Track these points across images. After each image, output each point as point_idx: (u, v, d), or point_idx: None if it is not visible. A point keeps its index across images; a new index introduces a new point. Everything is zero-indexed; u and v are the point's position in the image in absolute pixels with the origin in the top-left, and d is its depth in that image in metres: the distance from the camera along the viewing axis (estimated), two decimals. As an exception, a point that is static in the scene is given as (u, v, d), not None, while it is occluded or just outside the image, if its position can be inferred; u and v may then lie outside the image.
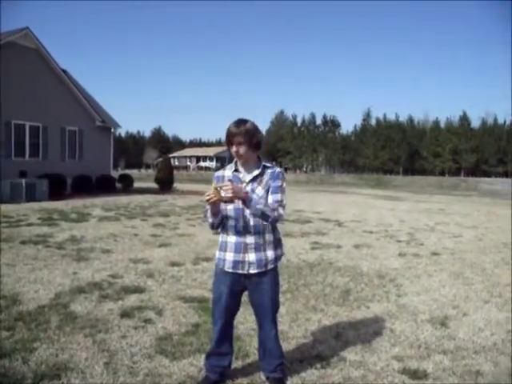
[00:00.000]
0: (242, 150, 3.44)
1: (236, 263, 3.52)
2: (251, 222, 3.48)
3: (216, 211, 3.45)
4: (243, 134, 3.42)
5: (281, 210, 3.48)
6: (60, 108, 23.96)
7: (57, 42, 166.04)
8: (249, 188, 3.47)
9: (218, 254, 3.67)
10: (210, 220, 3.54)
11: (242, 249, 3.52)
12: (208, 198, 3.27)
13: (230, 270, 3.55)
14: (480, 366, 4.19)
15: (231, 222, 3.53)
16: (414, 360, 4.29)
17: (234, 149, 3.46)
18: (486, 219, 17.99)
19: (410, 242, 11.41)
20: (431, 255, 9.64)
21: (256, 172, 3.53)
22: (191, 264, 8.03)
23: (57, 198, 19.58)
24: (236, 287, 3.61)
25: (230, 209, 3.49)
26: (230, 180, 3.39)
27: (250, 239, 3.51)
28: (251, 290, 3.64)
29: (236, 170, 3.59)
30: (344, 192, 39.00)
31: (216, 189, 3.24)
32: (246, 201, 3.32)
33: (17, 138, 21.87)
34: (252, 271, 3.53)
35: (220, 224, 3.60)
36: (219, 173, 3.67)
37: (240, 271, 3.54)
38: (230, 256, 3.55)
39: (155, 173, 33.57)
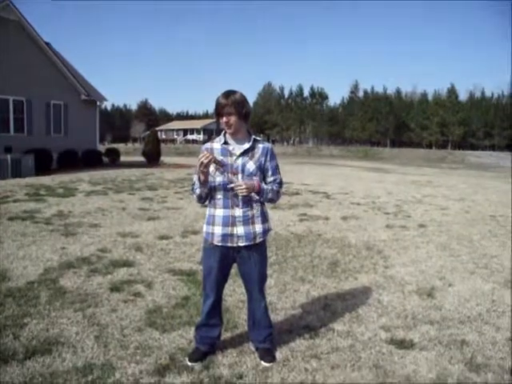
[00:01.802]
0: (232, 120, 3.42)
1: (225, 236, 3.53)
2: (239, 195, 3.49)
3: (206, 179, 3.42)
4: (233, 105, 3.40)
5: (281, 191, 3.69)
6: (44, 82, 23.58)
7: (39, 14, 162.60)
8: (240, 162, 3.47)
9: (205, 227, 3.66)
10: (198, 191, 3.51)
11: (229, 222, 3.51)
12: (204, 158, 3.27)
13: (219, 244, 3.55)
14: (465, 336, 4.27)
15: (219, 195, 3.52)
16: (400, 330, 4.37)
17: (224, 119, 3.43)
18: (472, 191, 18.13)
19: (398, 213, 11.50)
20: (418, 227, 9.73)
21: (247, 145, 3.51)
22: (180, 237, 8.05)
23: (43, 174, 19.42)
24: (225, 260, 3.62)
25: (218, 181, 3.47)
26: (243, 181, 3.44)
27: (239, 212, 3.51)
28: (241, 263, 3.65)
29: (225, 143, 3.54)
30: (331, 164, 39.06)
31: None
32: (260, 192, 3.48)
33: (0, 113, 21.56)
34: (241, 244, 3.54)
35: (207, 196, 3.57)
36: (207, 145, 3.62)
37: (229, 244, 3.54)
38: (218, 229, 3.54)
39: (142, 146, 33.36)
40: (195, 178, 3.52)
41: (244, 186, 3.35)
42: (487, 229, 9.79)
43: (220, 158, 3.45)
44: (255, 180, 3.46)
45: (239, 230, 3.52)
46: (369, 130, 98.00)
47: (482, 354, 3.90)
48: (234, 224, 3.52)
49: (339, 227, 9.46)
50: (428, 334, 4.28)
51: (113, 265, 6.23)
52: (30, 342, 3.84)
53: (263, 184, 3.51)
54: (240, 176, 3.46)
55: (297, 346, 3.95)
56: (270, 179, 3.58)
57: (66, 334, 4.06)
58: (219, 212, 3.54)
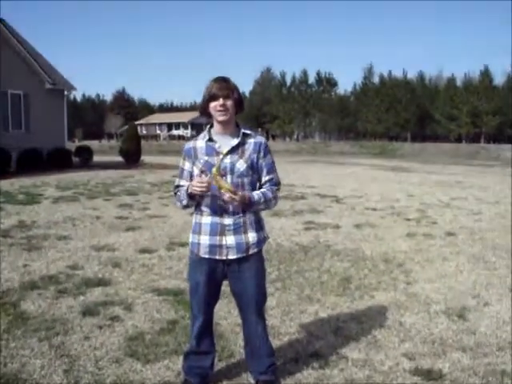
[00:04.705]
0: (229, 103, 3.43)
1: (212, 247, 3.52)
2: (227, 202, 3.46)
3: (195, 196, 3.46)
4: (231, 88, 3.45)
5: (278, 193, 3.66)
6: (-1, 67, 23.52)
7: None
8: (228, 161, 3.46)
9: (191, 237, 3.66)
10: (185, 202, 3.52)
11: (218, 231, 3.51)
12: (201, 186, 3.28)
13: (206, 256, 3.55)
14: (506, 365, 4.24)
15: (206, 201, 3.51)
16: (427, 358, 4.35)
17: (220, 101, 3.40)
18: (510, 193, 18.13)
19: (421, 220, 11.51)
20: (446, 235, 9.73)
21: (235, 141, 3.51)
22: (165, 250, 8.05)
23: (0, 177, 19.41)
24: (214, 275, 3.61)
25: None
26: (234, 191, 3.33)
27: (228, 220, 3.51)
28: (232, 278, 3.64)
29: (210, 140, 3.54)
30: (342, 163, 39.08)
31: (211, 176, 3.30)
32: (252, 206, 3.46)
33: None
34: (231, 257, 3.54)
35: (194, 203, 3.58)
36: (190, 144, 3.64)
37: (217, 257, 3.54)
38: (204, 239, 3.54)
39: (119, 144, 33.40)
40: (181, 182, 3.57)
41: (237, 198, 3.31)
42: (528, 237, 9.78)
43: (205, 158, 3.46)
44: (246, 192, 3.44)
45: (229, 239, 3.51)
46: (386, 122, 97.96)
47: (525, 386, 3.88)
48: (222, 233, 3.51)
49: (352, 237, 9.46)
50: (460, 363, 4.26)
51: (85, 284, 6.22)
52: (-16, 380, 3.82)
53: (254, 193, 3.48)
54: (229, 177, 3.44)
55: (304, 378, 3.94)
56: (264, 179, 3.58)
57: (28, 368, 4.03)
58: (206, 219, 3.55)
